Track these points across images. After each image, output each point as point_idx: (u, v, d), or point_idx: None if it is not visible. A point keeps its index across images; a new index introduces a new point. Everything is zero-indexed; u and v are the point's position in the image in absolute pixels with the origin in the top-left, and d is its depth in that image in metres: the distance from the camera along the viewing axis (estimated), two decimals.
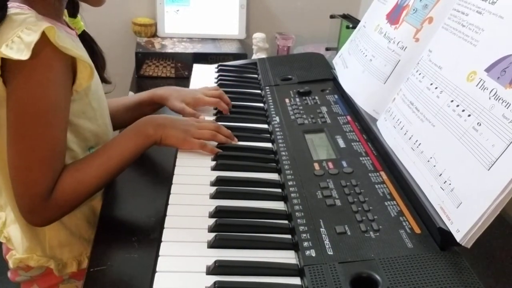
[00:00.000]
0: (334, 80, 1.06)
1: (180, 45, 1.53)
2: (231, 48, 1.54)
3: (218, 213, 0.67)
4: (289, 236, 0.64)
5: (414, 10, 0.86)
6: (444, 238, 0.58)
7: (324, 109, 0.95)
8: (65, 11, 0.85)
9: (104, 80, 0.94)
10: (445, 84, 0.68)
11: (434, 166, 0.63)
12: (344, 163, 0.76)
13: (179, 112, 0.97)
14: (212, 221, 0.65)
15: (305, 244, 0.60)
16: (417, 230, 0.61)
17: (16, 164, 0.71)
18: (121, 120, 1.03)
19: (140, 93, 1.06)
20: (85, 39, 0.89)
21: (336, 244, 0.60)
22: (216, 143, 0.84)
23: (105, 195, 0.85)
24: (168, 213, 0.67)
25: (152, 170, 0.94)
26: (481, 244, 0.55)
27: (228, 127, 0.90)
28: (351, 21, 1.45)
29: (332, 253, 0.58)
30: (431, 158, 0.65)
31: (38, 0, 0.74)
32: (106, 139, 0.86)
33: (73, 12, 0.87)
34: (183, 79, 1.43)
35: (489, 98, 0.58)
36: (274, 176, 0.78)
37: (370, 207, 0.66)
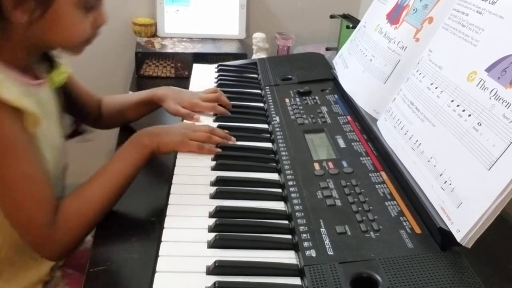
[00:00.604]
0: (334, 80, 1.06)
1: (180, 45, 1.53)
2: (231, 48, 1.54)
3: (218, 213, 0.67)
4: (289, 236, 0.64)
5: (414, 10, 0.86)
6: (445, 238, 0.57)
7: (324, 109, 0.95)
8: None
9: (77, 132, 0.93)
10: (446, 84, 0.68)
11: (435, 166, 0.63)
12: (344, 163, 0.76)
13: (173, 113, 0.98)
14: (212, 221, 0.65)
15: (305, 244, 0.60)
16: (418, 230, 0.61)
17: (6, 206, 0.72)
18: (123, 117, 1.05)
19: (140, 93, 1.06)
20: (65, 92, 0.89)
21: (336, 244, 0.59)
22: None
23: None
24: (168, 213, 0.67)
25: (152, 170, 0.94)
26: (482, 244, 0.55)
27: (228, 127, 0.90)
28: (351, 21, 1.45)
29: (332, 253, 0.58)
30: (431, 158, 0.65)
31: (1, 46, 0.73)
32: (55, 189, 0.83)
33: (49, 67, 0.85)
34: (183, 79, 1.43)
35: (490, 98, 0.58)
36: (274, 176, 0.77)
37: (371, 207, 0.65)
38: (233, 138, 0.87)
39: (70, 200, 0.75)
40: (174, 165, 0.79)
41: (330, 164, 0.76)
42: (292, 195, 0.70)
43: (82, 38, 0.77)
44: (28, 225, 0.72)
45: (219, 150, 0.82)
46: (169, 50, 1.48)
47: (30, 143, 0.73)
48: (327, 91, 1.03)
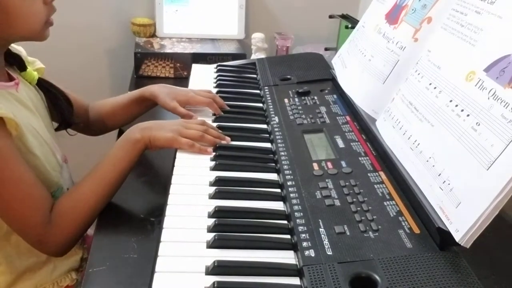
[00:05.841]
0: (333, 80, 1.06)
1: (179, 45, 1.53)
2: (230, 48, 1.54)
3: (217, 213, 0.67)
4: (288, 236, 0.64)
5: (413, 10, 0.86)
6: (443, 238, 0.58)
7: (323, 109, 0.95)
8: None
9: (67, 122, 0.92)
10: (444, 84, 0.68)
11: (433, 166, 0.63)
12: (343, 163, 0.76)
13: (170, 110, 0.96)
14: (211, 221, 0.65)
15: (304, 244, 0.60)
16: (416, 230, 0.61)
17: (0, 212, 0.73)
18: (116, 119, 1.04)
19: (132, 91, 1.06)
20: (43, 86, 0.89)
21: (335, 244, 0.60)
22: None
23: None
24: (167, 213, 0.67)
25: (151, 170, 0.94)
26: (480, 244, 0.55)
27: (227, 127, 0.90)
28: (350, 21, 1.45)
29: (331, 253, 0.58)
30: (430, 158, 0.65)
31: None
32: (57, 182, 0.84)
33: (19, 66, 0.85)
34: (182, 79, 1.43)
35: (488, 98, 0.58)
36: (273, 176, 0.78)
37: (369, 207, 0.66)
38: (228, 138, 0.86)
39: (64, 199, 0.77)
40: (173, 165, 0.79)
41: (329, 164, 0.76)
42: (291, 195, 0.70)
43: (41, 21, 0.77)
44: (22, 225, 0.73)
45: (210, 150, 0.82)
46: (168, 50, 1.48)
47: (14, 147, 0.73)
48: (326, 91, 1.03)
